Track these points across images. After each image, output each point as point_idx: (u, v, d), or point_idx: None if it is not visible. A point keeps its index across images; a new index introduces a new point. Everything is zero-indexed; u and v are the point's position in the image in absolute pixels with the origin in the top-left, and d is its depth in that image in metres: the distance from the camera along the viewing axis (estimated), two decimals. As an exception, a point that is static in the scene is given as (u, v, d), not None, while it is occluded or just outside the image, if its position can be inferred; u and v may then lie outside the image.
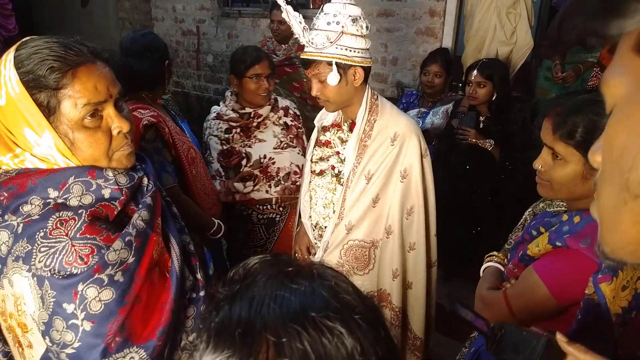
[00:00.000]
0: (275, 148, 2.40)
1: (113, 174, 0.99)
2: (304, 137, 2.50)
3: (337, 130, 1.86)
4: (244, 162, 2.37)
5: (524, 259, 1.29)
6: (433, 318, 1.95)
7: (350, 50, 1.59)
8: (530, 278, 1.21)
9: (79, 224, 0.91)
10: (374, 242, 1.75)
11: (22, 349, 0.97)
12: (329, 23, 1.57)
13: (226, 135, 2.36)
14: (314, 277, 0.53)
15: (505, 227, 2.98)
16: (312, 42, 1.58)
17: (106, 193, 0.97)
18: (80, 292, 0.88)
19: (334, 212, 1.83)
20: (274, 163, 2.39)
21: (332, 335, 0.46)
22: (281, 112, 2.45)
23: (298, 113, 2.56)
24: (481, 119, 2.96)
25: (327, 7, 1.61)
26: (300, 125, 2.52)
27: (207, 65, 5.50)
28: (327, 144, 1.88)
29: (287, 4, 1.59)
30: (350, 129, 1.80)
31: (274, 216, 2.45)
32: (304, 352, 0.45)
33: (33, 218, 0.91)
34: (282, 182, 2.41)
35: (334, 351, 0.46)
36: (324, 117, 1.91)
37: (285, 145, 2.43)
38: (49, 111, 0.92)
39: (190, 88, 5.72)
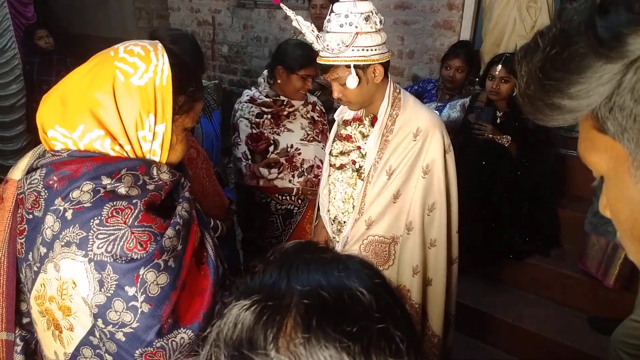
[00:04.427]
0: (302, 139, 2.43)
1: (157, 173, 1.04)
2: (327, 134, 2.51)
3: (359, 125, 1.85)
4: (271, 148, 2.40)
5: None
6: (453, 316, 1.95)
7: (367, 50, 1.57)
8: None
9: (136, 212, 0.96)
10: (394, 238, 1.76)
11: (61, 332, 1.00)
12: (341, 25, 1.55)
13: (257, 120, 2.39)
14: (344, 257, 0.57)
15: (521, 224, 3.00)
16: (327, 47, 1.57)
17: (151, 187, 1.02)
18: (141, 276, 0.94)
19: (353, 207, 1.83)
20: (299, 154, 2.43)
21: (352, 291, 0.50)
22: (310, 107, 2.48)
23: (324, 110, 2.59)
24: (498, 114, 2.94)
25: (336, 7, 1.58)
26: (325, 122, 2.55)
27: (222, 56, 5.50)
28: (348, 138, 1.88)
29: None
30: (372, 124, 1.79)
31: (292, 208, 2.47)
32: (324, 301, 0.48)
33: (85, 205, 0.95)
34: (305, 174, 2.44)
35: (351, 305, 0.49)
36: (344, 111, 1.90)
37: (311, 138, 2.46)
38: (175, 111, 1.05)
39: (205, 79, 5.73)
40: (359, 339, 0.46)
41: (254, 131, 2.38)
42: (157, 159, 1.07)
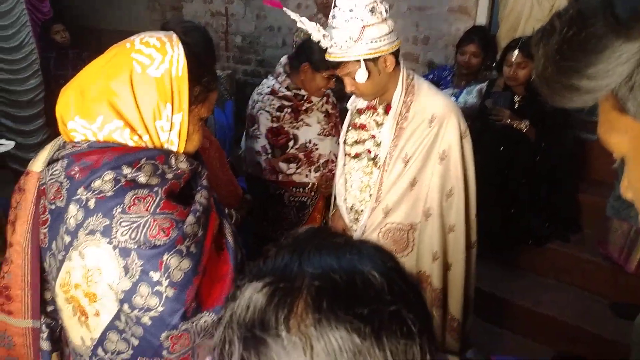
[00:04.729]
0: (319, 134, 2.43)
1: (175, 162, 1.06)
2: (339, 127, 2.50)
3: (373, 113, 1.84)
4: (290, 143, 2.40)
5: None
6: (472, 299, 1.95)
7: (376, 42, 1.54)
8: None
9: (157, 200, 0.99)
10: (412, 225, 1.76)
11: (87, 318, 1.03)
12: (347, 20, 1.52)
13: (278, 113, 2.38)
14: (357, 241, 0.58)
15: (540, 209, 2.97)
16: (335, 44, 1.55)
17: (169, 177, 1.04)
18: (165, 262, 0.96)
19: (370, 196, 1.83)
20: (317, 149, 2.42)
21: (363, 274, 0.50)
22: (324, 99, 2.47)
23: (336, 102, 2.57)
24: (516, 99, 2.90)
25: (340, 1, 1.55)
26: (337, 115, 2.53)
27: (235, 47, 5.50)
28: (362, 127, 1.87)
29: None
30: (386, 112, 1.78)
31: (305, 200, 2.48)
32: (335, 283, 0.49)
33: (107, 195, 0.97)
34: (322, 169, 2.44)
35: (362, 288, 0.49)
36: (358, 100, 1.89)
37: (327, 132, 2.45)
38: (191, 101, 1.07)
39: (218, 69, 5.74)
40: (369, 321, 0.47)
41: (275, 125, 2.37)
42: (174, 148, 1.08)
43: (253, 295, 0.50)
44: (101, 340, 1.03)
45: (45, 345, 1.15)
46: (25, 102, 4.21)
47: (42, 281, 1.12)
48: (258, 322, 0.49)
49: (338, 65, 2.12)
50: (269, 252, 0.57)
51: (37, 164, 1.10)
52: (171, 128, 1.06)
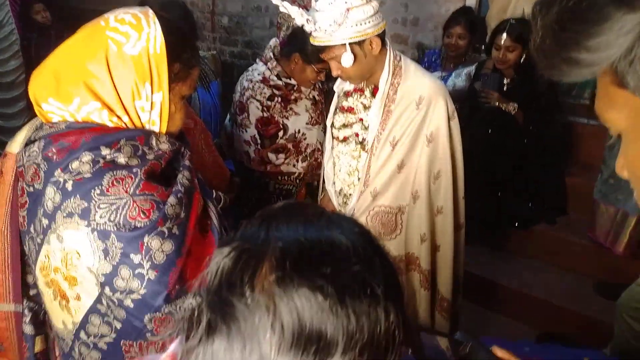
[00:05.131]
0: (307, 123, 2.39)
1: (156, 143, 1.04)
2: (325, 114, 2.46)
3: (360, 96, 1.82)
4: (280, 133, 2.36)
5: None
6: (461, 279, 1.97)
7: (361, 24, 1.51)
8: None
9: (137, 181, 0.97)
10: (400, 208, 1.75)
11: (68, 302, 1.02)
12: (330, 3, 1.49)
13: (268, 102, 2.33)
14: (330, 213, 0.59)
15: (527, 192, 2.98)
16: (319, 28, 1.52)
17: (150, 158, 1.02)
18: (146, 244, 0.95)
19: (358, 180, 1.83)
20: (305, 139, 2.40)
21: (330, 238, 0.51)
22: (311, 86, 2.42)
23: (322, 87, 2.52)
24: (505, 81, 2.90)
25: None
26: (323, 102, 2.49)
27: (222, 27, 5.41)
28: (349, 110, 1.85)
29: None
30: (373, 94, 1.77)
31: (291, 188, 2.47)
32: (301, 245, 0.50)
33: (85, 176, 0.95)
34: (308, 159, 2.42)
35: (327, 250, 0.50)
36: (344, 82, 1.87)
37: (314, 121, 2.42)
38: (171, 79, 1.03)
39: (205, 50, 5.65)
40: (333, 280, 0.47)
41: (265, 114, 2.33)
42: (156, 128, 1.06)
43: (220, 260, 0.51)
44: (83, 324, 1.02)
45: (28, 329, 1.13)
46: (5, 85, 4.11)
47: (24, 265, 1.10)
48: (225, 284, 0.49)
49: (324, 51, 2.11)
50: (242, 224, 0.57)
51: (15, 145, 1.07)
52: (152, 108, 1.03)
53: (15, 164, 1.04)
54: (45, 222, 0.98)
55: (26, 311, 1.13)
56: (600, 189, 2.65)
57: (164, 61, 1.00)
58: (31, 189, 1.00)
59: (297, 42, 2.22)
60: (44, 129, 1.02)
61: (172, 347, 0.60)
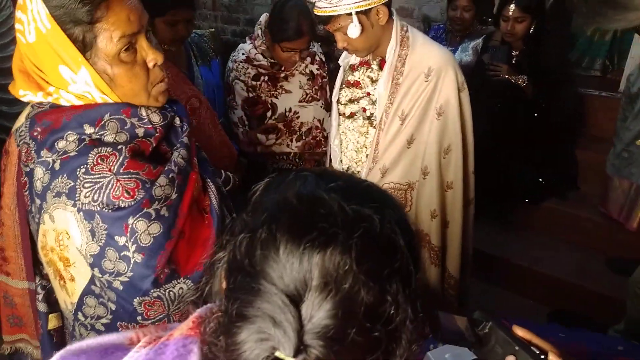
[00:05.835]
0: (300, 101, 2.31)
1: (146, 112, 0.98)
2: (327, 88, 2.38)
3: (367, 69, 1.77)
4: (268, 113, 2.29)
5: None
6: (470, 256, 1.94)
7: None
8: None
9: (121, 159, 0.92)
10: (410, 184, 1.72)
11: (64, 282, 1.00)
12: None
13: (253, 82, 2.26)
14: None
15: (537, 167, 2.93)
16: None
17: (140, 132, 0.97)
18: (130, 226, 0.91)
19: (366, 156, 1.78)
20: (298, 117, 2.32)
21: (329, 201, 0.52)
22: (308, 60, 2.33)
23: (324, 60, 2.43)
24: (514, 53, 2.82)
25: None
26: (325, 75, 2.40)
27: (223, 5, 5.31)
28: (356, 84, 1.81)
29: None
30: (380, 67, 1.72)
31: (290, 167, 2.41)
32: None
33: (70, 154, 0.91)
34: (304, 138, 2.35)
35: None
36: (349, 55, 1.81)
37: (310, 98, 2.33)
38: (85, 47, 0.89)
39: (206, 29, 5.57)
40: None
41: (250, 95, 2.26)
42: (112, 100, 0.96)
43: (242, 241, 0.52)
44: (79, 305, 1.00)
45: (41, 307, 1.13)
46: (7, 70, 4.06)
47: (33, 243, 1.08)
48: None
49: (298, 37, 2.03)
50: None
51: (18, 124, 1.06)
52: (95, 84, 0.93)
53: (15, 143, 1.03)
54: (38, 202, 0.96)
55: (39, 289, 1.13)
56: (613, 163, 2.59)
57: (60, 34, 0.87)
58: (27, 168, 0.99)
59: (269, 18, 2.15)
60: (34, 109, 0.99)
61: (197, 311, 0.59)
